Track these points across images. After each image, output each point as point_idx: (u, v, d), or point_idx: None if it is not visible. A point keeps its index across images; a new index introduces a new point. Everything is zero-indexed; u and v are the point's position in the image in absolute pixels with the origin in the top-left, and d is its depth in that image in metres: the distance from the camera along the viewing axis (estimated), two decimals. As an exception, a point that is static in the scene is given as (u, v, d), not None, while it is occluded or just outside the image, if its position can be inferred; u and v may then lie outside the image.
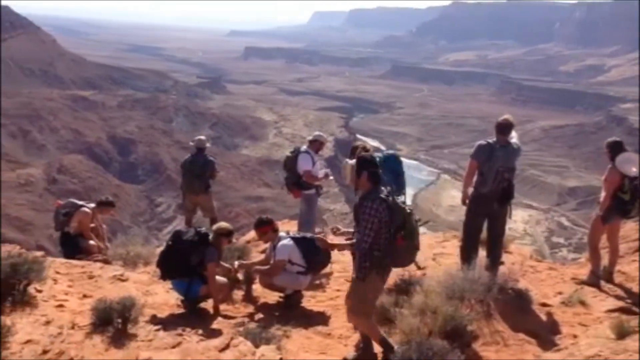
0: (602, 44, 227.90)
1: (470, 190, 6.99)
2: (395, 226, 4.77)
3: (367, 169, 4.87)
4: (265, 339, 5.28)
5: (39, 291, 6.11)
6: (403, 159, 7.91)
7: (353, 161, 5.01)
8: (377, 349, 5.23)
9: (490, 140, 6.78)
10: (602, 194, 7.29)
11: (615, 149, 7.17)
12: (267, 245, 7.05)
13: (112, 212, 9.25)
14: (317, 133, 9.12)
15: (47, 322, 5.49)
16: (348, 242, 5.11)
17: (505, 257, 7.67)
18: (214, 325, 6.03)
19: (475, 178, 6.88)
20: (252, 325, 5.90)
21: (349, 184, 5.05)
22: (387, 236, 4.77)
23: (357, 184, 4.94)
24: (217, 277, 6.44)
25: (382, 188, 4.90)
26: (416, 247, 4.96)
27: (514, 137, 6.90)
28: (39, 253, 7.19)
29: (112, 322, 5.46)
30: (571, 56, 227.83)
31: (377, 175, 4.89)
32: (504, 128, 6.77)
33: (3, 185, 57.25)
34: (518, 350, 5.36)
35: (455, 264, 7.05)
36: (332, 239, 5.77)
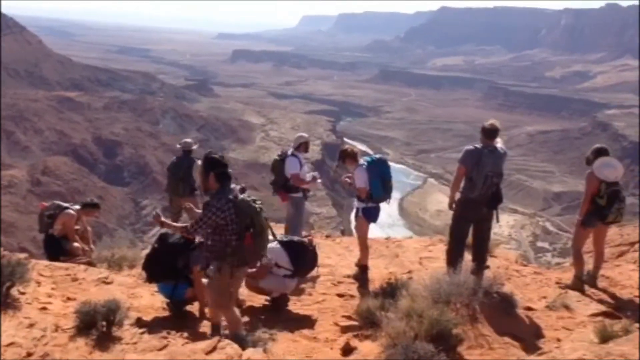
0: (588, 51, 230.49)
1: (458, 195, 7.02)
2: (243, 225, 4.92)
3: (214, 170, 4.98)
4: (252, 342, 5.27)
5: (22, 293, 6.05)
6: (390, 163, 7.94)
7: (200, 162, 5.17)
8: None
9: (477, 145, 6.81)
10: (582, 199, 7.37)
11: (596, 155, 7.23)
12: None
13: (97, 214, 9.19)
14: (299, 134, 9.09)
15: (31, 325, 5.44)
16: (179, 225, 5.22)
17: (490, 262, 7.71)
18: (200, 328, 6.01)
19: (462, 183, 6.91)
20: (238, 328, 5.87)
21: (199, 185, 5.13)
22: (236, 234, 4.91)
23: (205, 185, 5.05)
24: (203, 280, 6.42)
25: (233, 186, 5.02)
26: (264, 243, 5.19)
27: (498, 142, 6.95)
28: (22, 255, 7.12)
29: (97, 325, 5.42)
30: (557, 62, 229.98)
31: (225, 175, 5.00)
32: (490, 133, 6.82)
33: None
34: (503, 354, 5.39)
35: (441, 268, 7.08)
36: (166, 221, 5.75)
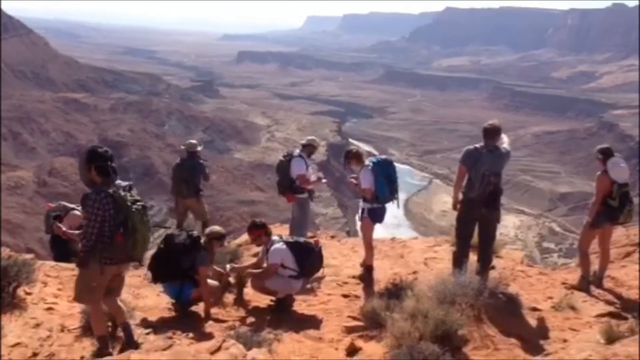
0: (594, 51, 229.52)
1: (461, 195, 7.02)
2: (117, 222, 4.79)
3: (95, 163, 4.86)
4: (257, 343, 5.28)
5: (29, 294, 6.10)
6: (396, 164, 7.94)
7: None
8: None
9: (477, 145, 6.82)
10: (593, 200, 7.36)
11: (606, 154, 7.23)
12: (260, 248, 7.05)
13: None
14: (310, 137, 9.15)
15: (37, 325, 5.48)
16: (77, 232, 5.05)
17: (496, 262, 7.71)
18: (205, 329, 6.03)
19: (464, 183, 6.92)
20: (243, 328, 5.89)
21: (85, 180, 4.94)
22: (110, 230, 4.79)
23: (87, 179, 4.91)
24: (209, 281, 6.43)
25: (119, 182, 4.91)
26: (138, 246, 4.94)
27: (505, 142, 6.94)
28: (28, 256, 7.16)
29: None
30: (563, 63, 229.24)
31: (105, 169, 4.87)
32: (490, 132, 6.81)
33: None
34: (508, 354, 5.38)
35: (447, 269, 7.07)
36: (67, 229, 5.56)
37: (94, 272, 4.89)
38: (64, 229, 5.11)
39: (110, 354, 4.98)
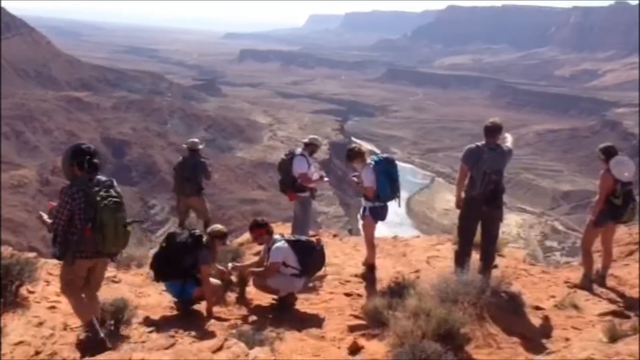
0: (597, 49, 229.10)
1: (463, 194, 7.00)
2: (87, 216, 4.88)
3: (77, 159, 4.96)
4: (259, 341, 5.27)
5: (31, 292, 6.10)
6: (398, 163, 7.92)
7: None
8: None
9: (479, 144, 6.80)
10: (596, 198, 7.33)
11: (609, 153, 7.20)
12: (261, 247, 7.04)
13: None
14: (312, 136, 9.11)
15: (40, 324, 5.48)
16: (50, 222, 5.10)
17: (498, 261, 7.68)
18: (207, 328, 6.03)
19: (466, 181, 6.90)
20: (246, 327, 5.89)
21: (68, 174, 5.02)
22: (80, 223, 4.88)
23: (69, 174, 5.01)
24: (211, 279, 6.43)
25: (99, 178, 4.99)
26: (108, 242, 4.97)
27: (509, 141, 6.92)
28: (31, 254, 7.16)
29: (105, 323, 5.45)
30: (566, 61, 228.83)
31: (84, 163, 4.95)
32: (492, 131, 6.79)
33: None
34: (511, 353, 5.37)
35: (449, 267, 7.06)
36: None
37: (75, 266, 5.03)
38: (45, 217, 5.16)
39: (104, 340, 5.04)
